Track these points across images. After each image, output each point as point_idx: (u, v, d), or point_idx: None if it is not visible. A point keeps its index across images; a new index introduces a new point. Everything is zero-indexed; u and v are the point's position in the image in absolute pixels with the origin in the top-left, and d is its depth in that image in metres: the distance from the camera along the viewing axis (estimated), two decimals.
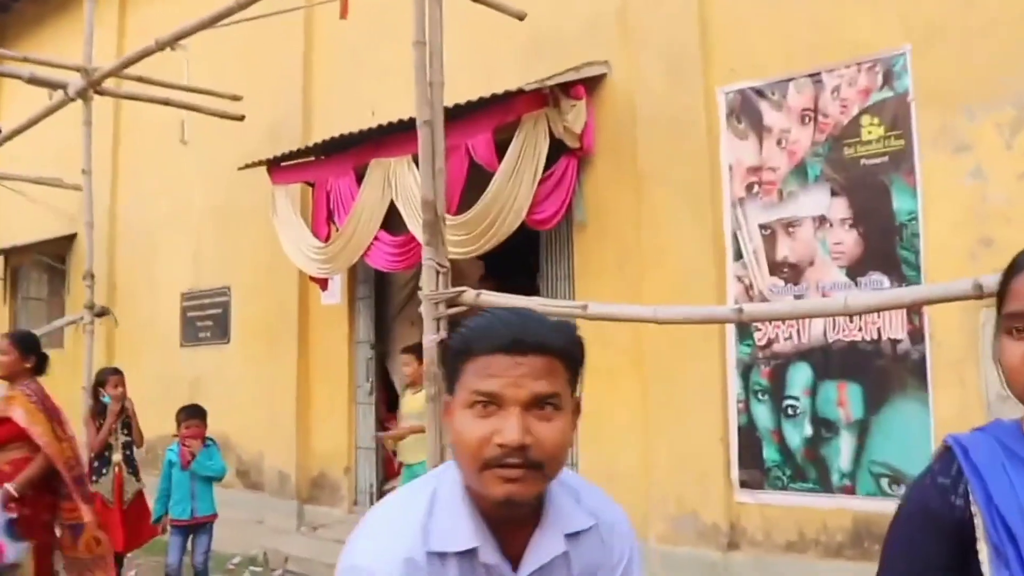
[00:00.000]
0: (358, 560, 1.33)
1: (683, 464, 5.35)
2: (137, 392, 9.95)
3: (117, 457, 5.98)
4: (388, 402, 7.76)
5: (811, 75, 5.08)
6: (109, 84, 7.47)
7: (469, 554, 1.33)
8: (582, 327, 4.82)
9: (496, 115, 5.85)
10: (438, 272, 4.68)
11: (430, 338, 4.61)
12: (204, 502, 5.77)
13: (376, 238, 6.67)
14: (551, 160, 5.87)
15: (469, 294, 4.69)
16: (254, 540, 7.19)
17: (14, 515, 4.12)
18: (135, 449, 6.23)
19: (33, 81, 6.90)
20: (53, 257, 10.81)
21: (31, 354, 4.46)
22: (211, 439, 5.94)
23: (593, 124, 5.88)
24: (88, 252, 7.03)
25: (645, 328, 5.50)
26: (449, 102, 5.63)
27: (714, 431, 5.23)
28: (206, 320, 9.11)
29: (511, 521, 1.37)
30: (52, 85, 6.95)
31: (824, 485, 4.88)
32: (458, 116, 5.80)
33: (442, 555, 1.32)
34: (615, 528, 1.47)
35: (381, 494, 6.86)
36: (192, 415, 5.87)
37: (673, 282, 5.44)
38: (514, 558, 1.37)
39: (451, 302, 4.66)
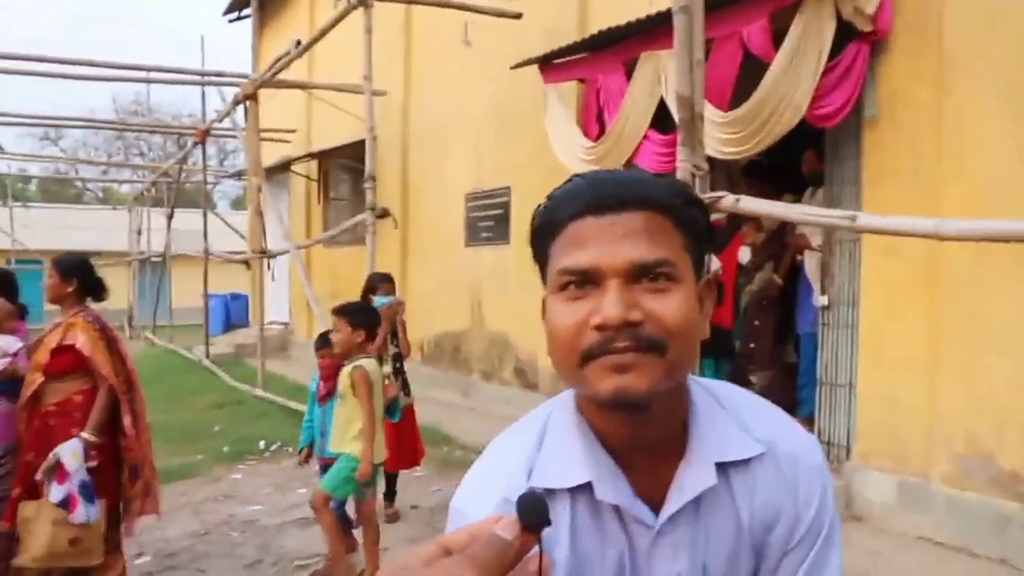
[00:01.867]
0: (456, 501, 1.10)
1: (978, 399, 4.62)
2: (424, 290, 10.54)
3: (387, 369, 5.52)
4: None
5: None
6: None
7: (584, 492, 1.05)
8: (858, 237, 4.22)
9: None
10: (694, 175, 4.31)
11: None
12: None
13: (646, 137, 6.33)
14: (837, 47, 5.15)
15: (728, 199, 4.28)
16: None
17: (94, 463, 3.83)
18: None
19: None
20: (355, 159, 11.50)
21: (72, 277, 4.03)
22: None
23: (890, 3, 5.07)
24: (369, 156, 7.31)
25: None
26: None
27: (1019, 364, 4.44)
28: (488, 221, 9.29)
29: (646, 450, 1.05)
30: None
31: None
32: (730, 2, 5.28)
33: (550, 493, 1.04)
34: (799, 459, 1.09)
35: None
36: (326, 344, 4.88)
37: (981, 190, 4.62)
38: (658, 501, 1.06)
39: (708, 209, 4.28)
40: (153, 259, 21.36)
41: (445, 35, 9.85)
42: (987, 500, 4.56)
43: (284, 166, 14.33)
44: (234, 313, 19.13)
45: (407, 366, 5.96)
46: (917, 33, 4.99)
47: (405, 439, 5.66)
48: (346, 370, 4.36)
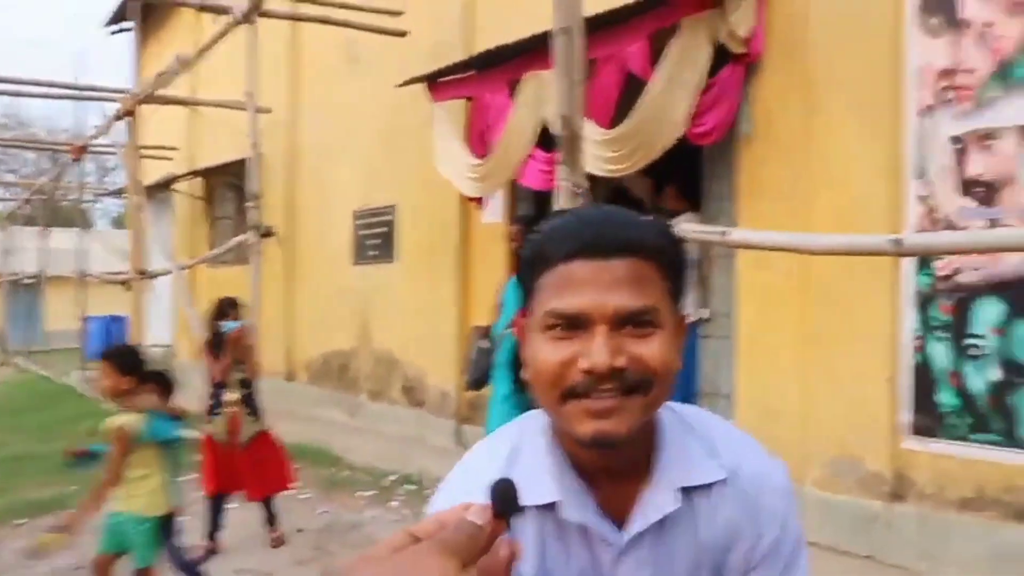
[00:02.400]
0: (430, 508, 1.12)
1: (845, 404, 4.84)
2: (311, 309, 10.39)
3: (232, 395, 5.35)
4: None
5: None
6: (276, 6, 7.57)
7: (552, 509, 1.09)
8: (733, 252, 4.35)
9: (653, 20, 5.40)
10: (575, 194, 4.39)
11: None
12: None
13: (530, 155, 6.41)
14: (713, 68, 5.36)
15: None
16: (413, 458, 7.29)
17: None
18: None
19: (203, 8, 7.09)
20: (239, 177, 11.28)
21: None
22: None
23: (762, 27, 5.29)
24: (252, 174, 7.19)
25: None
26: (600, 7, 5.27)
27: (882, 370, 4.68)
28: (374, 239, 9.23)
29: (613, 473, 1.11)
30: (219, 10, 7.10)
31: (1011, 438, 4.25)
32: (610, 23, 5.42)
33: None
34: (763, 484, 1.15)
35: None
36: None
37: (846, 203, 4.87)
38: (623, 519, 1.11)
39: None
40: (26, 280, 20.38)
41: (332, 52, 9.78)
42: (855, 501, 4.77)
43: (167, 184, 13.92)
44: (115, 336, 18.35)
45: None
46: (787, 54, 5.22)
47: (266, 465, 5.48)
48: (109, 423, 3.88)
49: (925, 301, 4.59)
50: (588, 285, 1.02)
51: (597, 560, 1.11)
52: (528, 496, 1.06)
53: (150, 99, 10.07)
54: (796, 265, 5.06)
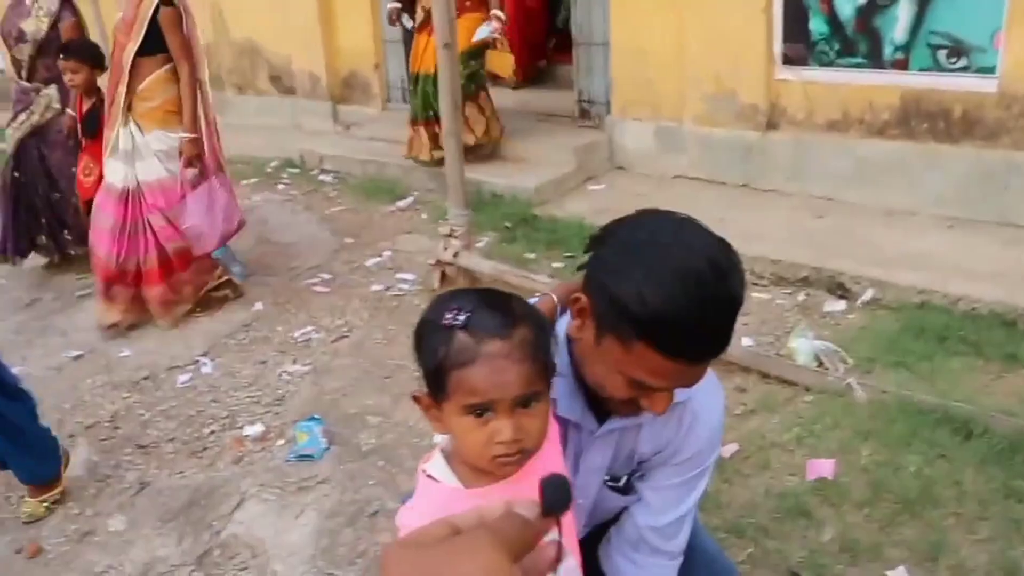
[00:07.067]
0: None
1: (720, 39, 4.93)
2: None
3: None
4: None
5: None
6: None
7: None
8: None
9: None
10: None
11: None
12: None
13: None
14: None
15: None
16: (291, 143, 7.16)
17: None
18: None
19: None
20: None
21: None
22: None
23: None
24: None
25: None
26: None
27: (755, 2, 4.76)
28: None
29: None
30: None
31: (874, 60, 4.50)
32: None
33: None
34: (699, 417, 1.47)
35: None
36: None
37: None
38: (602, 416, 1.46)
39: None
40: None
41: None
42: (732, 133, 5.04)
43: None
44: None
45: None
46: None
47: None
48: None
49: None
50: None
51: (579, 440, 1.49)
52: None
53: None
54: None
